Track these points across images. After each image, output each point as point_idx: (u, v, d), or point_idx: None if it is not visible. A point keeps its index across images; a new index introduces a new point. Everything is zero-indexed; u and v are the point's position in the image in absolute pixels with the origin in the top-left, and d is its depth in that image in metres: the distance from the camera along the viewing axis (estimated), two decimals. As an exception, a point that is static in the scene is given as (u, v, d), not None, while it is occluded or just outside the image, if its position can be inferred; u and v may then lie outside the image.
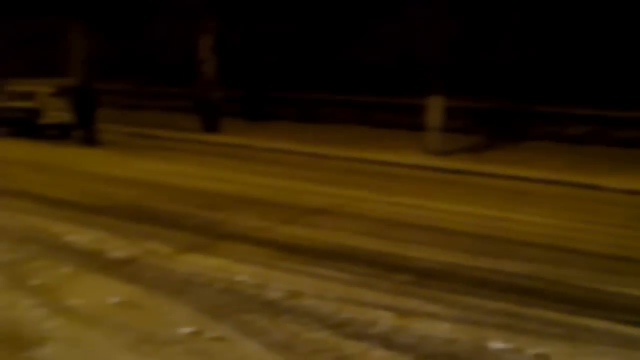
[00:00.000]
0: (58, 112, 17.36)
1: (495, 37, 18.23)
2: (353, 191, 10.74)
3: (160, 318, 4.81)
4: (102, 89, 17.14)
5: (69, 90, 17.34)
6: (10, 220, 7.78)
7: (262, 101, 22.97)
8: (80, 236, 7.08)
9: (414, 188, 11.47)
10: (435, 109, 15.69)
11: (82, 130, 16.03)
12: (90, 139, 15.77)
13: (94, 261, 6.20)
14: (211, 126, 19.71)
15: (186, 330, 4.58)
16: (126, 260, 6.28)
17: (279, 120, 21.98)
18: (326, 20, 21.72)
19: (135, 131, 19.38)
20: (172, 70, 25.27)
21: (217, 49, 20.04)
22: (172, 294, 5.35)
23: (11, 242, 6.75)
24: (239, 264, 6.25)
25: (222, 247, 6.90)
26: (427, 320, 4.93)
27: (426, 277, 6.04)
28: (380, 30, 20.38)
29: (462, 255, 6.82)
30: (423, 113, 16.04)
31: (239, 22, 22.98)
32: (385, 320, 4.90)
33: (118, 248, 6.67)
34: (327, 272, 6.10)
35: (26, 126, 17.46)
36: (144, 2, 25.78)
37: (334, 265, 6.31)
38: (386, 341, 4.52)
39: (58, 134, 17.60)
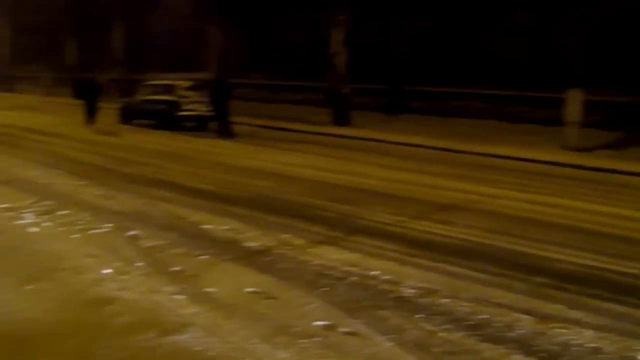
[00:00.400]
0: (195, 105, 18.06)
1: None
2: (487, 188, 10.39)
3: (295, 310, 4.82)
4: (236, 83, 17.66)
5: (206, 83, 18.01)
6: (153, 208, 8.13)
7: (395, 95, 22.80)
8: (217, 225, 7.27)
9: (551, 186, 10.95)
10: (574, 102, 14.93)
11: (217, 123, 16.56)
12: (225, 131, 16.27)
13: (230, 250, 6.34)
14: (342, 119, 19.81)
15: (320, 323, 4.55)
16: (260, 251, 6.37)
17: (412, 113, 21.74)
18: (460, 12, 21.21)
19: (268, 124, 19.83)
20: (303, 63, 25.63)
21: (349, 42, 20.07)
22: (305, 286, 5.36)
23: (154, 229, 7.04)
24: (371, 258, 6.18)
25: (355, 240, 6.85)
26: (568, 327, 4.64)
27: (566, 280, 5.70)
28: (515, 21, 19.67)
29: (605, 259, 6.40)
30: (561, 107, 15.29)
31: (371, 16, 22.90)
32: (524, 324, 4.66)
33: (253, 238, 6.78)
34: (461, 270, 5.90)
35: (166, 118, 18.29)
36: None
37: (468, 263, 6.10)
38: (525, 346, 4.29)
39: (195, 126, 18.31)
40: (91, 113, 19.16)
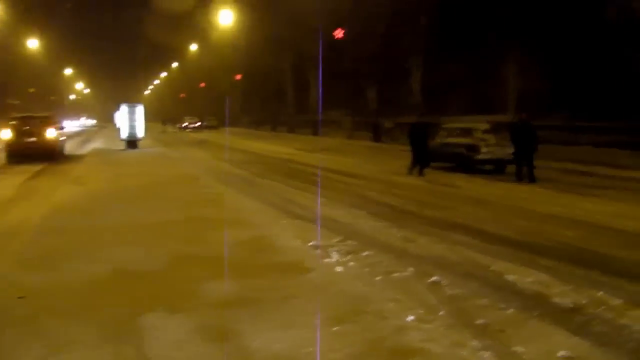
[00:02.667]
0: (494, 148, 17.66)
1: None
2: None
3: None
4: (536, 125, 16.87)
5: (505, 126, 17.53)
6: (453, 254, 7.95)
7: None
8: (521, 276, 6.83)
9: None
10: None
11: (517, 166, 15.95)
12: (525, 175, 15.57)
13: (538, 306, 5.88)
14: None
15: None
16: (571, 309, 5.82)
17: None
18: None
19: (571, 167, 18.64)
20: (603, 102, 23.84)
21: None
22: (627, 356, 4.70)
23: (455, 276, 6.83)
24: None
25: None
26: None
27: None
28: None
29: None
30: None
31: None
32: None
33: (561, 294, 6.23)
34: None
35: (463, 161, 18.16)
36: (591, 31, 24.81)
37: None
38: None
39: (493, 169, 17.89)
40: (419, 160, 17.65)
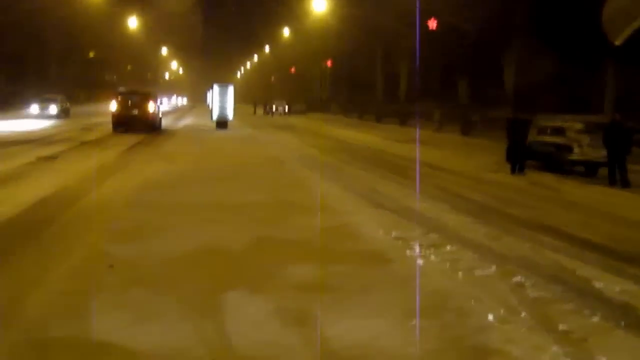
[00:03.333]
0: (587, 149, 17.07)
1: None
2: None
3: None
4: (634, 127, 16.17)
5: (600, 127, 16.89)
6: (538, 256, 7.77)
7: None
8: (609, 284, 6.61)
9: None
10: None
11: (610, 169, 15.35)
12: (619, 180, 14.98)
13: (625, 316, 5.67)
14: None
15: None
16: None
17: None
18: None
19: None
20: None
21: None
22: None
23: (540, 278, 6.68)
24: None
25: None
26: None
27: None
28: None
29: None
30: None
31: None
32: None
33: (655, 306, 5.99)
34: None
35: (554, 161, 17.63)
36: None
37: None
38: None
39: (585, 171, 17.31)
40: (518, 157, 16.99)
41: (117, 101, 27.61)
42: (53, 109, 35.79)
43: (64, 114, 36.79)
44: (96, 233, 8.13)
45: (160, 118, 30.98)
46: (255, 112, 62.15)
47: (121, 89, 30.64)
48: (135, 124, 26.80)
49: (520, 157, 16.96)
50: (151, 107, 27.82)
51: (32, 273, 6.35)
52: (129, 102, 27.66)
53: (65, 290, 5.80)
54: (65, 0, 50.84)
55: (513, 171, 16.61)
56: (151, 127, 27.56)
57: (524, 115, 18.40)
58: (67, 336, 4.79)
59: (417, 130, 31.68)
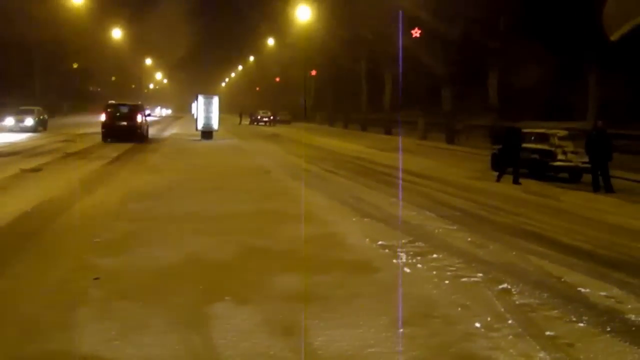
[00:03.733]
0: (571, 156, 17.21)
1: None
2: None
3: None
4: (615, 134, 16.27)
5: (584, 133, 17.03)
6: (524, 262, 7.81)
7: None
8: (594, 290, 6.66)
9: None
10: None
11: (594, 176, 15.47)
12: (603, 186, 15.10)
13: (610, 321, 5.72)
14: None
15: None
16: (642, 325, 5.63)
17: None
18: None
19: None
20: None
21: None
22: None
23: (525, 285, 6.72)
24: None
25: None
26: None
27: None
28: None
29: None
30: None
31: None
32: None
33: (636, 310, 6.06)
34: None
35: (538, 167, 17.74)
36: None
37: None
38: None
39: (569, 177, 17.44)
40: (509, 165, 16.76)
41: (107, 113, 28.79)
42: (29, 121, 34.92)
43: (41, 126, 36.12)
44: (82, 245, 8.07)
45: (147, 128, 32.44)
46: (240, 123, 62.08)
47: (111, 102, 31.83)
48: (124, 134, 28.00)
49: (511, 166, 16.82)
50: (139, 118, 29.25)
51: (17, 286, 6.29)
52: (118, 113, 28.96)
53: (51, 304, 5.75)
54: (49, 10, 50.56)
55: (499, 179, 16.64)
56: (139, 137, 28.74)
57: (511, 123, 18.42)
58: (53, 350, 4.75)
59: (400, 139, 31.81)
